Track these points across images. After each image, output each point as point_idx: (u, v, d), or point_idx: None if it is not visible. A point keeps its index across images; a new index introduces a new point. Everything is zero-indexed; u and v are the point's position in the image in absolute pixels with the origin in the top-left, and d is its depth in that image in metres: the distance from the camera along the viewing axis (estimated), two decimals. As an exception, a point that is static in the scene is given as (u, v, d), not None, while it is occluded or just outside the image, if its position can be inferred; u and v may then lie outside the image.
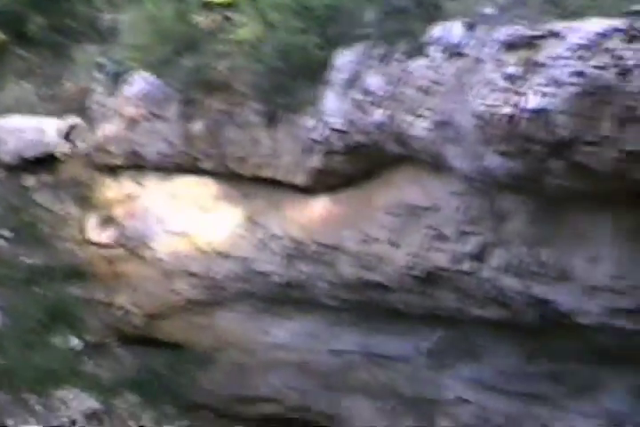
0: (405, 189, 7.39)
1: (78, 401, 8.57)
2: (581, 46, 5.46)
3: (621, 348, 7.27)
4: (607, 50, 5.39)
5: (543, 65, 5.62)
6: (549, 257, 6.85)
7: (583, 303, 6.84)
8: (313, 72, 7.55)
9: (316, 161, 7.77)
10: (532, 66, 5.67)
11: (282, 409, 8.83)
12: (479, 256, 7.11)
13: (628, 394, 7.88)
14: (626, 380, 7.85)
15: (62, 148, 9.35)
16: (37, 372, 8.58)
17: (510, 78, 5.74)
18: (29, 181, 9.48)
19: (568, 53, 5.51)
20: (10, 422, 8.30)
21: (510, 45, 5.84)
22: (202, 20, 8.52)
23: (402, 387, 8.49)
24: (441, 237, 7.23)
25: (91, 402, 8.61)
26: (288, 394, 8.74)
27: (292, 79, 7.74)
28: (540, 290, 6.97)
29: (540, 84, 5.58)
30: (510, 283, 7.06)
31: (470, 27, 6.30)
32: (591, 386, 7.95)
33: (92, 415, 8.56)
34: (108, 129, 8.95)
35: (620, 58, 5.34)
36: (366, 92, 7.11)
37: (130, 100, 8.79)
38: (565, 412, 8.11)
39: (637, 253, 6.60)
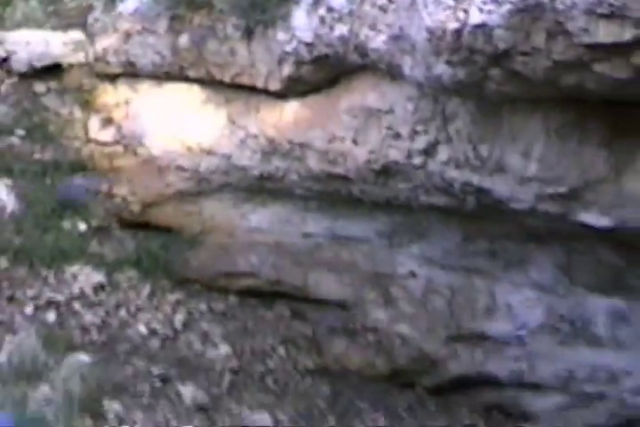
0: (366, 94, 7.34)
1: (86, 275, 8.64)
2: (518, -32, 5.37)
3: (547, 229, 7.42)
4: (540, -29, 5.32)
5: (485, -15, 5.55)
6: (488, 152, 6.90)
7: (516, 192, 6.94)
8: (285, -9, 7.48)
9: (287, 70, 7.68)
10: (476, -14, 5.59)
11: (259, 283, 8.89)
12: (428, 152, 7.13)
13: (552, 267, 8.07)
14: (551, 255, 8.03)
15: (67, 58, 9.24)
16: (51, 250, 8.63)
17: (456, -3, 5.67)
18: (39, 87, 9.35)
19: (506, -26, 5.43)
20: (29, 292, 8.39)
21: (456, -33, 5.75)
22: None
23: (362, 263, 8.60)
24: (396, 135, 7.23)
25: (97, 276, 8.67)
26: (265, 270, 8.79)
27: (267, -2, 7.67)
28: (479, 181, 7.05)
29: (481, 2, 5.50)
30: (454, 175, 7.11)
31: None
32: (521, 261, 8.12)
33: (98, 287, 8.63)
34: (106, 42, 8.78)
35: (551, -21, 5.28)
36: (330, 10, 7.02)
37: (125, 16, 8.63)
38: (500, 283, 8.29)
39: (563, 148, 6.67)
